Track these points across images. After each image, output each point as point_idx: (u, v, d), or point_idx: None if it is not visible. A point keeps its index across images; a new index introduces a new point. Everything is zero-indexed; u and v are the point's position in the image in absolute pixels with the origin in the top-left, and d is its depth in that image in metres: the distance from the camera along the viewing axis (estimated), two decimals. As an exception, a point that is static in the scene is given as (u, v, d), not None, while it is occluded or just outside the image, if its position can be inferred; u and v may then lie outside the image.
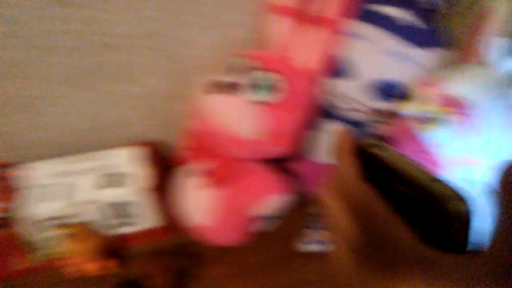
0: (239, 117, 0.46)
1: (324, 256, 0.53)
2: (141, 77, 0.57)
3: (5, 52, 0.49)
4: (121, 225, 0.54)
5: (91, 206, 0.51)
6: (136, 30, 0.51)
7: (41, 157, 0.55)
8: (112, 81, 0.56)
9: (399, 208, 0.22)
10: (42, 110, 0.56)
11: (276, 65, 0.47)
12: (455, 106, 0.43)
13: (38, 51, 0.50)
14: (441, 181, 0.21)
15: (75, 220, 0.51)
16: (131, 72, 0.55)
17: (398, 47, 0.46)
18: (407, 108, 0.48)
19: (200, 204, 0.51)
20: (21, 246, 0.51)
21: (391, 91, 0.47)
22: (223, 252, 0.54)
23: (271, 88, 0.46)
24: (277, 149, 0.50)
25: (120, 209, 0.52)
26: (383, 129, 0.52)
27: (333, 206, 0.24)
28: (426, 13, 0.46)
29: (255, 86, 0.46)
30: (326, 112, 0.52)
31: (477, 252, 0.20)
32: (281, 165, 0.54)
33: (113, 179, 0.53)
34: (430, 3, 0.47)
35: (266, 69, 0.46)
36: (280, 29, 0.49)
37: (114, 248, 0.53)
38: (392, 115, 0.50)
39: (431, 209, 0.21)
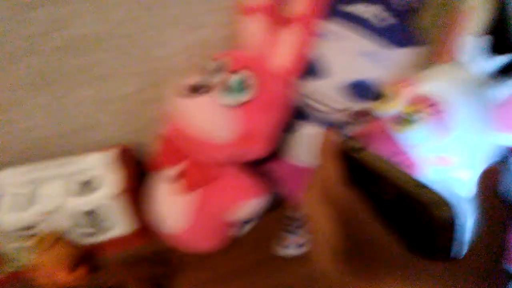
0: (212, 120, 0.46)
1: (303, 259, 0.53)
2: (112, 80, 0.55)
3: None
4: (93, 232, 0.53)
5: (61, 214, 0.50)
6: (107, 32, 0.50)
7: (8, 164, 0.54)
8: (81, 84, 0.54)
9: (384, 213, 0.22)
10: (7, 116, 0.54)
11: (247, 63, 0.46)
12: (430, 105, 0.43)
13: (1, 55, 0.48)
14: (426, 186, 0.21)
15: (46, 229, 0.50)
16: (101, 75, 0.54)
17: (372, 46, 0.46)
18: (382, 109, 0.48)
19: (174, 210, 0.50)
20: (-10, 257, 0.50)
21: (365, 91, 0.47)
22: (200, 258, 0.53)
23: (243, 88, 0.45)
24: (253, 152, 0.49)
25: (92, 216, 0.51)
26: (358, 130, 0.52)
27: (316, 210, 0.25)
28: (400, 12, 0.46)
29: (228, 88, 0.45)
30: (301, 113, 0.52)
31: (459, 256, 0.20)
32: (257, 167, 0.53)
33: (84, 186, 0.51)
34: (403, 2, 0.46)
35: (238, 70, 0.45)
36: (253, 29, 0.48)
37: (86, 256, 0.52)
38: (366, 116, 0.50)
39: (415, 214, 0.21)
